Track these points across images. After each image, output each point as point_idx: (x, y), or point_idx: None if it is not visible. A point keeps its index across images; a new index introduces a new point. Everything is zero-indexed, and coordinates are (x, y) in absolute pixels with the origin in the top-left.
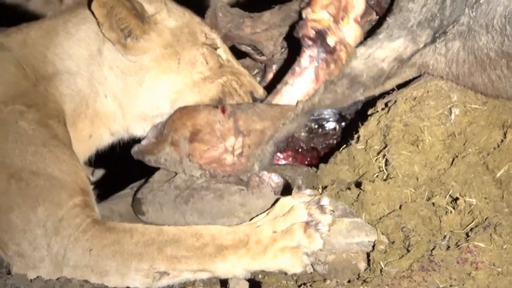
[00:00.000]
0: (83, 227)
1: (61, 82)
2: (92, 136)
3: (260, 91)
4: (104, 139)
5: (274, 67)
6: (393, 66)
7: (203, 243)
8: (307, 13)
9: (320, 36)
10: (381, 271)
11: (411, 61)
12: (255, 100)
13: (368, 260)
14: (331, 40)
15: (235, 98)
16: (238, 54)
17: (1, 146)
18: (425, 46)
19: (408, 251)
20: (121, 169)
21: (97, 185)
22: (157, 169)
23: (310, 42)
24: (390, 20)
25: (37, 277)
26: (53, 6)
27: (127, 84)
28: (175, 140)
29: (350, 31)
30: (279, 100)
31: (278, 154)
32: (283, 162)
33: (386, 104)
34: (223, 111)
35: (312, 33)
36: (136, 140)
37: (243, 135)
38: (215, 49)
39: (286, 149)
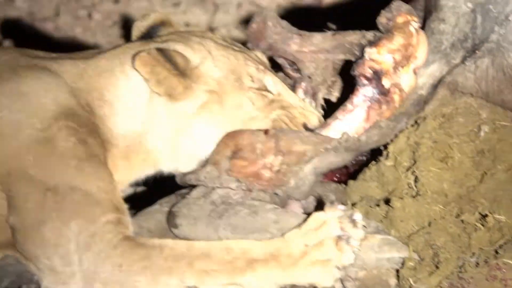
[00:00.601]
0: (113, 243)
1: (116, 122)
2: (139, 170)
3: (314, 121)
4: (146, 172)
5: (304, 84)
6: (431, 91)
7: (234, 256)
8: (370, 53)
9: (376, 77)
10: (410, 287)
11: (442, 80)
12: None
13: (398, 277)
14: (386, 82)
15: None
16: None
17: (46, 160)
18: (456, 65)
19: (437, 268)
20: (150, 185)
21: (126, 201)
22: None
23: (365, 81)
24: None
25: None
26: (82, 22)
27: (176, 126)
28: (217, 160)
29: (407, 80)
30: (327, 133)
31: None
32: None
33: (415, 121)
34: (266, 133)
35: (368, 72)
36: None
37: (283, 154)
38: (263, 90)
39: None
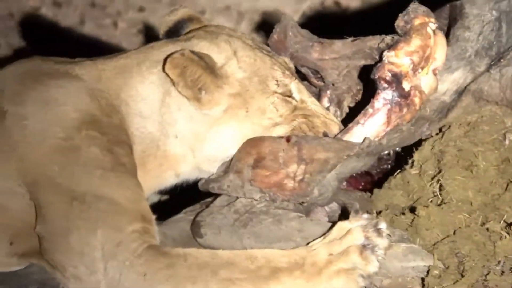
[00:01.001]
0: (138, 252)
1: (132, 123)
2: (158, 177)
3: (335, 130)
4: (169, 180)
5: (329, 92)
6: (454, 97)
7: (258, 265)
8: (389, 56)
9: (396, 80)
10: None
11: (467, 88)
12: None
13: (423, 285)
14: (406, 85)
15: None
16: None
17: (70, 169)
18: (481, 73)
19: (462, 276)
20: (174, 194)
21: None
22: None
23: (385, 85)
24: (448, 51)
25: None
26: (106, 30)
27: (195, 127)
28: (239, 168)
29: (427, 81)
30: (349, 138)
31: None
32: None
33: (440, 129)
34: (288, 140)
35: (388, 76)
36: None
37: (306, 163)
38: (288, 96)
39: None
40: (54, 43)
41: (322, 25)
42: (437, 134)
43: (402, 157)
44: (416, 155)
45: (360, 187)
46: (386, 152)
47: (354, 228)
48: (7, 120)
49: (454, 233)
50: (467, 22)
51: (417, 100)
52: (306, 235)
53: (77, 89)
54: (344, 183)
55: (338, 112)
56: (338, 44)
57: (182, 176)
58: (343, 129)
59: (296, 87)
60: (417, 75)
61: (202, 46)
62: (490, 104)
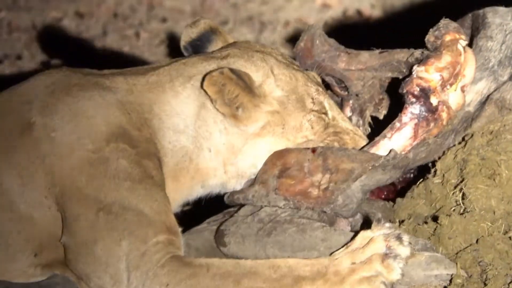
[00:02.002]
0: (161, 263)
1: (164, 137)
2: (189, 189)
3: (362, 146)
4: (196, 192)
5: (351, 102)
6: (478, 108)
7: (281, 274)
8: (419, 71)
9: (424, 94)
10: None
11: (489, 97)
12: None
13: None
14: (434, 100)
15: None
16: None
17: (99, 181)
18: (503, 82)
19: (485, 284)
20: (197, 204)
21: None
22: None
23: (413, 99)
24: None
25: None
26: (129, 41)
27: (230, 141)
28: (264, 179)
29: (455, 98)
30: (375, 151)
31: None
32: None
33: (463, 138)
34: (314, 151)
35: (416, 90)
36: None
37: (331, 172)
38: (323, 113)
39: None
40: (76, 54)
41: (344, 34)
42: (459, 143)
43: (425, 166)
44: (439, 164)
45: (383, 196)
46: (413, 166)
47: (376, 237)
48: (35, 132)
49: (477, 242)
50: (490, 32)
51: (444, 115)
52: (329, 245)
53: (107, 102)
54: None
55: (361, 122)
56: (365, 55)
57: (208, 189)
58: (369, 142)
59: (328, 104)
60: (446, 91)
61: (240, 65)
62: None
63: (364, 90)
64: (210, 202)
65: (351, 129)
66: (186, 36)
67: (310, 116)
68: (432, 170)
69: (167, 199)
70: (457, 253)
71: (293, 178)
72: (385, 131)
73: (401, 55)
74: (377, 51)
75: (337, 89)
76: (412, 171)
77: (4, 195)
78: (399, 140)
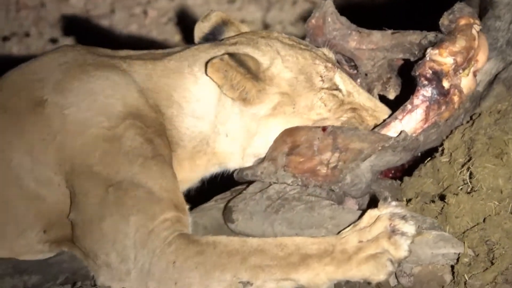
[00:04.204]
0: (168, 240)
1: (183, 123)
2: (205, 170)
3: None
4: (211, 171)
5: (359, 81)
6: (486, 87)
7: (288, 252)
8: (433, 54)
9: (436, 77)
10: (465, 283)
11: (497, 76)
12: None
13: (453, 273)
14: (446, 83)
15: None
16: None
17: (112, 157)
18: (511, 61)
19: (492, 264)
20: (205, 182)
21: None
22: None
23: (425, 82)
24: None
25: None
26: (137, 19)
27: (246, 125)
28: (274, 156)
29: (467, 82)
30: (386, 133)
31: None
32: None
33: (470, 117)
34: (324, 130)
35: (429, 73)
36: None
37: (340, 151)
38: (334, 90)
39: None
40: (84, 32)
41: (354, 13)
42: (467, 122)
43: None
44: (446, 143)
45: (390, 175)
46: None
47: (382, 216)
48: (47, 109)
49: (484, 221)
50: (498, 12)
51: (456, 98)
52: (337, 223)
53: (126, 84)
54: None
55: None
56: (377, 35)
57: (225, 169)
58: (380, 123)
59: (341, 79)
60: (458, 75)
61: (247, 51)
62: None
63: (374, 69)
64: (218, 180)
65: (369, 105)
66: (199, 31)
67: (320, 94)
68: (440, 149)
69: (175, 176)
70: (464, 232)
71: (302, 156)
72: (396, 113)
73: (413, 36)
74: (389, 31)
75: (346, 67)
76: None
77: (14, 172)
78: (410, 122)
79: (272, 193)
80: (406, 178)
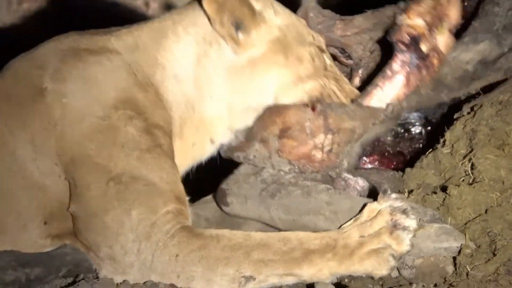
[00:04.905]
0: (171, 233)
1: (167, 88)
2: (195, 145)
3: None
4: (206, 148)
5: (361, 71)
6: (478, 68)
7: (291, 247)
8: (403, 19)
9: (414, 42)
10: (467, 275)
11: (497, 65)
12: None
13: (455, 264)
14: (424, 46)
15: (334, 100)
16: None
17: (107, 149)
18: (510, 50)
19: (494, 255)
20: (206, 174)
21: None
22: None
23: (403, 47)
24: (475, 24)
25: (124, 281)
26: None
27: (233, 81)
28: (264, 137)
29: (444, 40)
30: (369, 102)
31: (365, 158)
32: (369, 166)
33: (472, 108)
34: (313, 109)
35: (406, 39)
36: None
37: (333, 132)
38: (322, 51)
39: (372, 153)
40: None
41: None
42: (468, 113)
43: (434, 136)
44: (448, 134)
45: (392, 166)
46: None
47: (383, 210)
48: (47, 98)
49: (486, 212)
50: None
51: (435, 61)
52: (335, 209)
53: (114, 65)
54: (376, 163)
55: None
56: (358, 18)
57: (217, 141)
58: (363, 92)
59: (327, 55)
60: (433, 35)
61: None
62: None
63: (367, 54)
64: (219, 172)
65: (346, 80)
66: None
67: (310, 48)
68: (441, 140)
69: (175, 167)
70: (466, 224)
71: (295, 139)
72: (376, 80)
73: (390, 10)
74: (369, 12)
75: (343, 59)
76: (421, 141)
77: (17, 162)
78: (392, 89)
79: (267, 176)
80: (407, 169)
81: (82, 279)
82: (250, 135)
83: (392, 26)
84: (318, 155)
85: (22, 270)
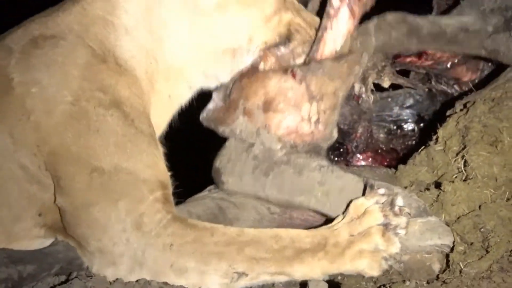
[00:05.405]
0: (164, 223)
1: (123, 47)
2: (171, 96)
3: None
4: (183, 95)
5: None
6: (457, 33)
7: (282, 245)
8: None
9: None
10: (460, 272)
11: (483, 44)
12: None
13: (447, 261)
14: None
15: (302, 34)
16: None
17: (84, 137)
18: (497, 31)
19: (487, 252)
20: (197, 172)
21: (175, 188)
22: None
23: None
24: (464, 2)
25: (117, 279)
26: None
27: (198, 24)
28: (248, 109)
29: None
30: (324, 47)
31: (358, 155)
32: (362, 163)
33: (464, 105)
34: (293, 76)
35: None
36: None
37: (317, 100)
38: None
39: (365, 150)
40: None
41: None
42: (461, 110)
43: (427, 133)
44: (441, 131)
45: (385, 163)
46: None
47: (372, 208)
48: (17, 89)
49: (479, 208)
50: None
51: None
52: (327, 190)
53: (69, 43)
54: (369, 160)
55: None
56: None
57: (194, 86)
58: (314, 39)
59: None
60: None
61: None
62: None
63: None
64: (209, 168)
65: (303, 8)
66: None
67: None
68: (434, 137)
69: (153, 143)
70: (458, 218)
71: (281, 112)
72: (323, 23)
73: None
74: None
75: None
76: (414, 138)
77: (2, 155)
78: (340, 25)
79: (258, 152)
80: (400, 166)
81: (76, 277)
82: (230, 101)
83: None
84: (306, 127)
85: (15, 268)
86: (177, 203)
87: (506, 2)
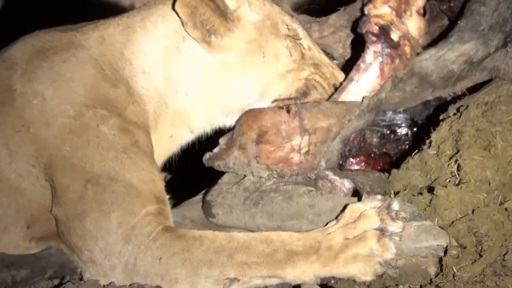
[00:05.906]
0: (153, 235)
1: (138, 83)
2: (172, 137)
3: (341, 79)
4: (184, 138)
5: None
6: (464, 68)
7: (274, 249)
8: (369, 9)
9: (384, 32)
10: (453, 276)
11: (482, 65)
12: None
13: (441, 265)
14: (394, 35)
15: (319, 90)
16: None
17: (82, 150)
18: (496, 50)
19: (480, 256)
20: (192, 175)
21: (169, 191)
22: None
23: (374, 38)
24: (461, 23)
25: (110, 283)
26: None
27: (211, 80)
28: (243, 144)
29: (414, 23)
30: (345, 97)
31: (351, 159)
32: (356, 167)
33: (457, 109)
34: (288, 111)
35: (375, 29)
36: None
37: (309, 133)
38: (298, 39)
39: (358, 154)
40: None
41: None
42: (454, 114)
43: (420, 137)
44: (434, 135)
45: (379, 167)
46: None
47: (368, 212)
48: (18, 100)
49: (473, 212)
50: None
51: (407, 49)
52: (317, 211)
53: (81, 62)
54: (362, 164)
55: None
56: (332, 17)
57: (196, 131)
58: (338, 88)
59: (303, 32)
60: (402, 20)
61: None
62: (507, 83)
63: (348, 51)
64: (205, 172)
65: (327, 62)
66: None
67: (286, 42)
68: (427, 142)
69: (153, 164)
70: (452, 223)
71: (272, 144)
72: (351, 74)
73: (360, 3)
74: (342, 9)
75: None
76: (407, 142)
77: None
78: (367, 81)
79: (248, 184)
80: (394, 171)
81: (69, 281)
82: (231, 142)
83: (360, 18)
84: (296, 157)
85: (8, 272)
86: (173, 206)
87: (503, 15)
